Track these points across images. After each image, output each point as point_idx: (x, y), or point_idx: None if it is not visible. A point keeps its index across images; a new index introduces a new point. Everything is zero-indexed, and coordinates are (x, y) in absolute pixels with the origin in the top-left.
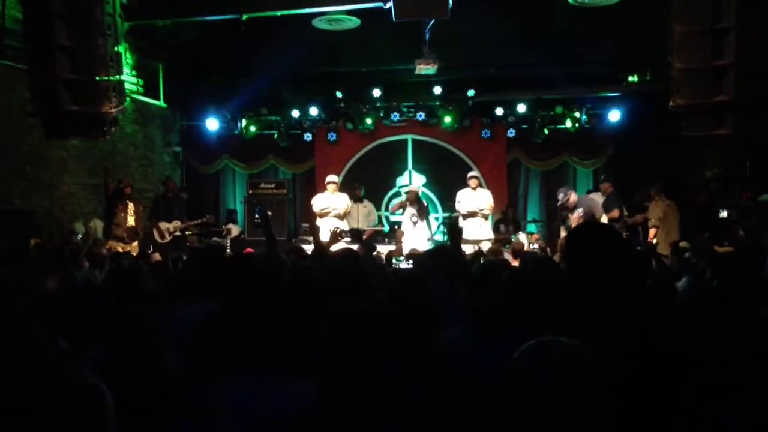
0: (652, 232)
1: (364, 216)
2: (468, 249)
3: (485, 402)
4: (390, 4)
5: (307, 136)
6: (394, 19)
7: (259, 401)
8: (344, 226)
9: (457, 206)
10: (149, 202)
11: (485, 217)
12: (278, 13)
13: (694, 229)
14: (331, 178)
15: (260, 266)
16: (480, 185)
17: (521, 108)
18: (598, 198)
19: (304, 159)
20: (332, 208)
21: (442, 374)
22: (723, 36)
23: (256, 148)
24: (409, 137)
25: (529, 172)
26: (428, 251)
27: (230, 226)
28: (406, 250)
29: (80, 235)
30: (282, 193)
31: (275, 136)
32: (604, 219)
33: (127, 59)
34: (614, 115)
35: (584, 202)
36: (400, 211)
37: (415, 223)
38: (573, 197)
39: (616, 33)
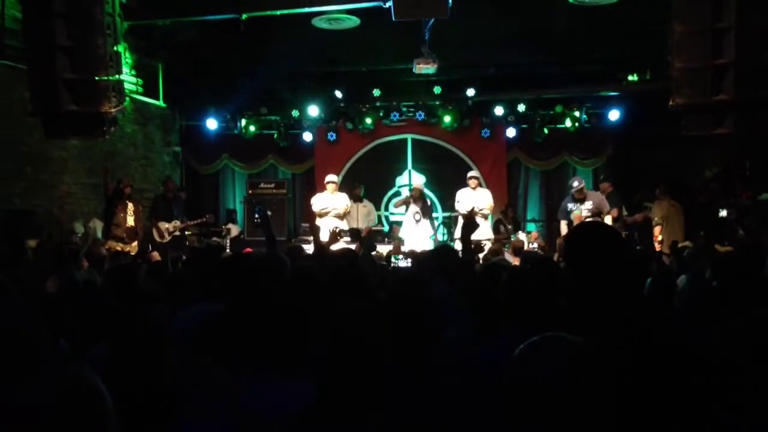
0: (657, 229)
1: (364, 216)
2: None
3: (485, 401)
4: (389, 4)
5: (307, 136)
6: (393, 18)
7: (260, 401)
8: (344, 225)
9: (457, 206)
10: (149, 202)
11: (485, 216)
12: (278, 13)
13: (695, 229)
14: (331, 177)
15: (260, 266)
16: (480, 185)
17: (521, 107)
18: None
19: (303, 159)
20: (332, 208)
21: (443, 374)
22: (723, 35)
23: (255, 147)
24: (409, 137)
25: (528, 172)
26: (429, 251)
27: (230, 226)
28: (407, 247)
29: (80, 235)
30: (282, 193)
31: (275, 135)
32: (608, 218)
33: (127, 59)
34: (614, 115)
35: (594, 197)
36: (403, 207)
37: (418, 221)
38: (585, 189)
39: (615, 32)
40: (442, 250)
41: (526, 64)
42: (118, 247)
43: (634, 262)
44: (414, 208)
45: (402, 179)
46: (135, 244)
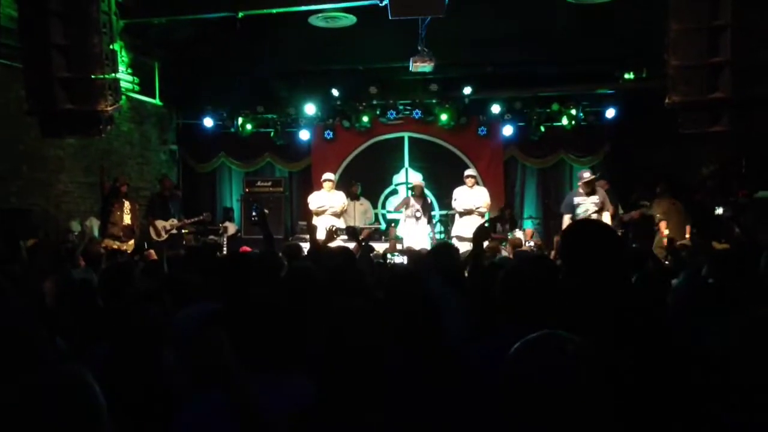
0: (662, 224)
1: (361, 214)
2: (465, 246)
3: (484, 400)
4: (386, 2)
5: (304, 134)
6: (390, 16)
7: (258, 400)
8: (340, 224)
9: (454, 204)
10: (145, 201)
11: (481, 215)
12: (274, 11)
13: (692, 227)
14: (328, 176)
15: (257, 264)
16: (477, 183)
17: (518, 105)
18: None
19: (300, 157)
20: (328, 206)
21: (442, 372)
22: (719, 33)
23: (252, 146)
24: (406, 135)
25: (525, 170)
26: (428, 249)
27: (227, 224)
28: (405, 245)
29: (76, 234)
30: (278, 191)
31: (271, 134)
32: (606, 215)
33: (123, 57)
34: (610, 113)
35: (600, 192)
36: (403, 209)
37: (418, 219)
38: (595, 182)
39: (612, 30)
40: (441, 248)
41: (522, 62)
42: (115, 245)
43: (630, 260)
44: (415, 206)
45: (399, 177)
46: (132, 242)
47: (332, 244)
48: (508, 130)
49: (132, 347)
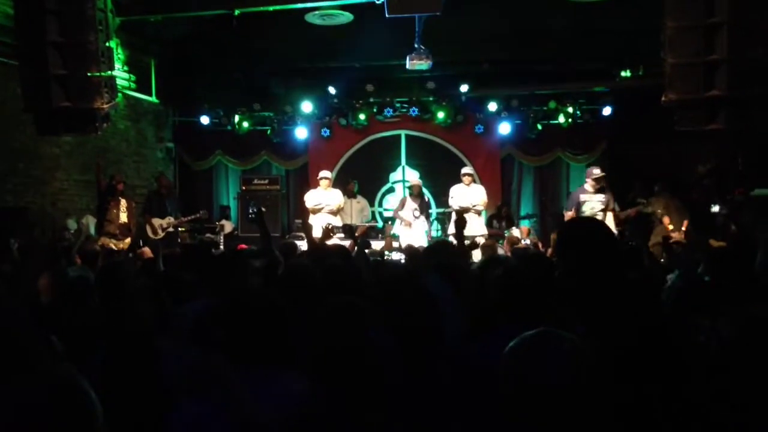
0: (666, 219)
1: (358, 212)
2: None
3: (482, 398)
4: None
5: (300, 132)
6: (387, 14)
7: (252, 401)
8: (337, 222)
9: (451, 202)
10: (142, 199)
11: (478, 212)
12: (270, 8)
13: (688, 224)
14: (324, 173)
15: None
16: (473, 181)
17: (514, 103)
18: None
19: (297, 155)
20: (325, 204)
21: (440, 370)
22: (715, 31)
23: (249, 143)
24: (403, 133)
25: (522, 168)
26: (425, 247)
27: (224, 222)
28: (402, 243)
29: (72, 232)
30: (275, 189)
31: (268, 131)
32: (610, 216)
33: (119, 55)
34: (607, 111)
35: (607, 191)
36: (401, 212)
37: (417, 218)
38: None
39: (608, 28)
40: (438, 246)
41: (519, 60)
42: (111, 243)
43: (625, 258)
44: (412, 204)
45: (396, 175)
46: (128, 240)
47: (329, 242)
48: (505, 128)
49: (125, 350)
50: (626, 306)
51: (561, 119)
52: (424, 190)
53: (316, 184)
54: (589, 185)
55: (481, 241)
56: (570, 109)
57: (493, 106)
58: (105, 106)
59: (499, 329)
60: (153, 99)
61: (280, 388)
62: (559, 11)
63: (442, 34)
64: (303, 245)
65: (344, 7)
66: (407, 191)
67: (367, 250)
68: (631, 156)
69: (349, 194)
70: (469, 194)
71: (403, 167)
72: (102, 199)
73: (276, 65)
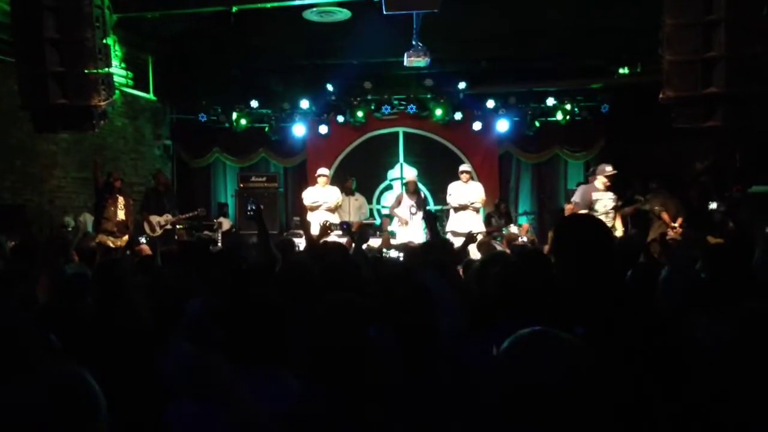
0: (665, 216)
1: (356, 209)
2: (459, 241)
3: (480, 396)
4: None
5: (298, 129)
6: (384, 11)
7: (251, 401)
8: (335, 219)
9: (449, 199)
10: (140, 196)
11: (476, 210)
12: (268, 5)
13: (683, 221)
14: (322, 171)
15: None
16: (471, 178)
17: (512, 100)
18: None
19: (295, 152)
20: (323, 202)
21: (438, 368)
22: (713, 28)
23: (246, 141)
24: (401, 130)
25: (520, 165)
26: (422, 244)
27: (221, 219)
28: (400, 241)
29: (70, 229)
30: (273, 187)
31: (266, 129)
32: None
33: (116, 52)
34: (605, 108)
35: (612, 188)
36: (398, 209)
37: (413, 214)
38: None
39: (607, 25)
40: (435, 243)
41: (517, 57)
42: (109, 241)
43: (623, 254)
44: (408, 201)
45: (393, 172)
46: (125, 237)
47: (326, 239)
48: (503, 125)
49: (125, 346)
50: (626, 306)
51: (559, 116)
52: (421, 187)
53: (314, 182)
54: (599, 182)
55: (479, 237)
56: (568, 107)
57: (491, 104)
58: (102, 103)
59: (497, 326)
60: (150, 96)
61: (279, 388)
62: (557, 8)
63: (440, 31)
64: (301, 242)
65: (342, 4)
66: (403, 188)
67: (364, 246)
68: (629, 153)
69: (347, 191)
70: (467, 191)
71: (401, 164)
72: (99, 197)
73: (274, 62)
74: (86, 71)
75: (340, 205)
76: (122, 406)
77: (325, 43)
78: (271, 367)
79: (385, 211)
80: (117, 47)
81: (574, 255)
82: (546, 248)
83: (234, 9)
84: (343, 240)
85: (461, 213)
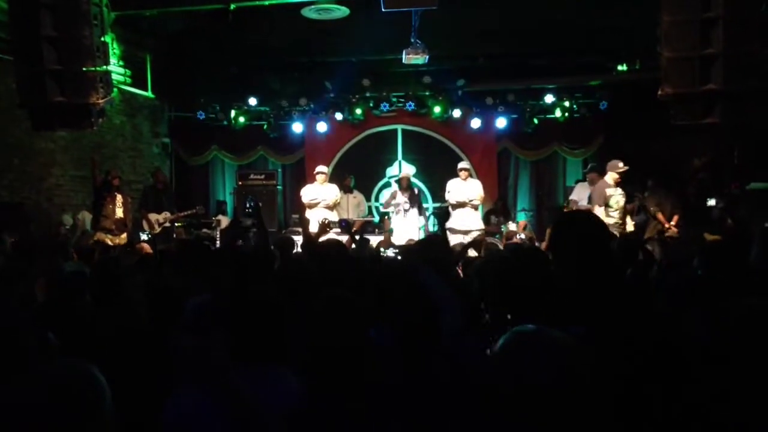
0: (660, 216)
1: (354, 206)
2: (457, 238)
3: (478, 394)
4: None
5: (297, 127)
6: (383, 8)
7: (250, 395)
8: (333, 217)
9: (447, 196)
10: (138, 194)
11: (475, 207)
12: (266, 3)
13: (680, 218)
14: (320, 168)
15: (250, 258)
16: (470, 176)
17: (511, 98)
18: (585, 188)
19: (293, 150)
20: (321, 199)
21: (436, 366)
22: (711, 25)
23: (245, 138)
24: (399, 127)
25: (518, 162)
26: (418, 242)
27: (220, 217)
28: (397, 239)
29: (68, 227)
30: (272, 184)
31: (264, 126)
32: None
33: (114, 49)
34: (604, 105)
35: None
36: (394, 201)
37: (406, 211)
38: None
39: (605, 23)
40: (432, 240)
41: (515, 54)
42: (107, 239)
43: (621, 252)
44: (402, 197)
45: (392, 170)
46: (124, 236)
47: (325, 237)
48: (501, 123)
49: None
50: (625, 305)
51: (557, 113)
52: (420, 183)
53: (312, 179)
54: (610, 178)
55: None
56: (566, 103)
57: (489, 101)
58: (100, 101)
59: (495, 325)
60: (149, 94)
61: (278, 385)
62: (555, 5)
63: (438, 29)
64: (300, 240)
65: (340, 2)
66: (396, 184)
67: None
68: (628, 150)
69: (345, 189)
70: (465, 189)
71: (400, 162)
72: (98, 195)
73: (272, 60)
74: (84, 69)
75: (339, 203)
76: (120, 404)
77: (323, 40)
78: (270, 365)
79: (381, 209)
80: (115, 45)
81: (573, 252)
82: (543, 245)
83: (232, 6)
84: (342, 238)
85: (460, 210)
